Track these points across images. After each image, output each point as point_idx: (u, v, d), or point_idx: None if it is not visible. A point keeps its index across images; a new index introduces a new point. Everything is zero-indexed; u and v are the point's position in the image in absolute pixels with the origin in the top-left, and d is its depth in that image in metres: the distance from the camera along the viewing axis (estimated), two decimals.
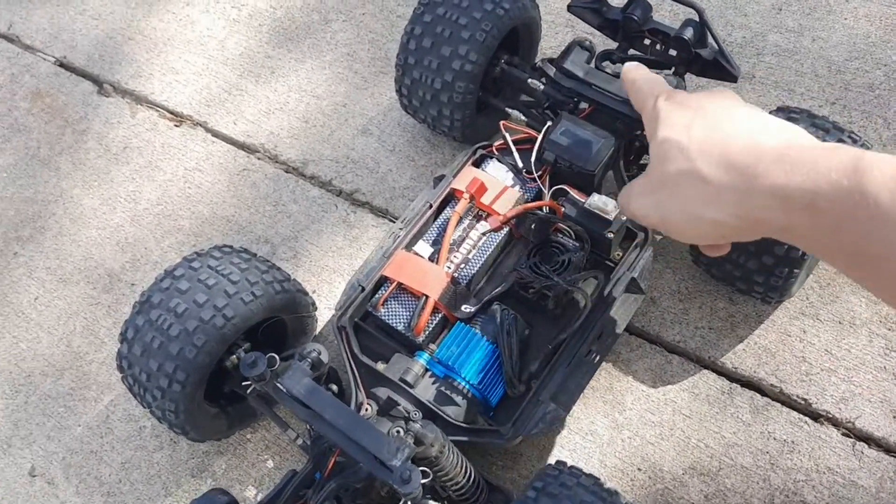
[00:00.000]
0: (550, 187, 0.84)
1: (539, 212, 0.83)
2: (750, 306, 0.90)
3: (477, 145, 0.90)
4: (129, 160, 1.18)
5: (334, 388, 0.79)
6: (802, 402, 0.84)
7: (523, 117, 0.90)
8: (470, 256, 0.83)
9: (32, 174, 1.19)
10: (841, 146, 0.45)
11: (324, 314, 0.96)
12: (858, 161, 0.43)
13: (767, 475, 0.81)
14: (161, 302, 0.77)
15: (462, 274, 0.82)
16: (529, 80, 0.91)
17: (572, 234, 0.80)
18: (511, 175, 0.87)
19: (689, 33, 0.84)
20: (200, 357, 0.75)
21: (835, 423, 0.83)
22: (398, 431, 0.68)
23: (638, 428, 0.85)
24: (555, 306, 0.80)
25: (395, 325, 0.80)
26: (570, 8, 0.92)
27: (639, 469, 0.83)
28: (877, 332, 0.86)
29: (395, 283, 0.81)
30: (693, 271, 0.92)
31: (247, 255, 0.83)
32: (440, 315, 0.80)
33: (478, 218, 0.85)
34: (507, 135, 0.89)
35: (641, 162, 0.91)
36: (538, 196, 0.86)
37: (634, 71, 0.65)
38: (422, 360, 0.77)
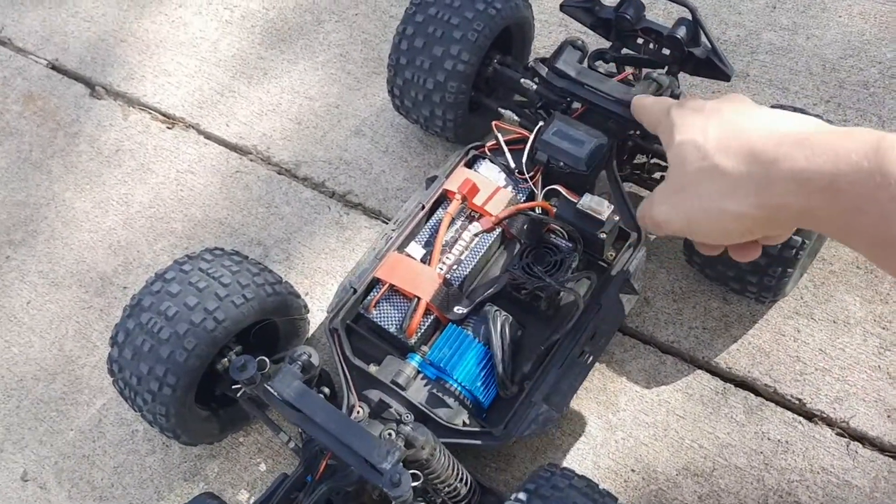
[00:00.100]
0: (543, 188, 0.84)
1: (531, 212, 0.83)
2: (744, 306, 0.89)
3: (469, 146, 0.90)
4: (122, 163, 1.17)
5: (326, 390, 0.78)
6: (797, 402, 0.84)
7: (516, 117, 0.90)
8: (462, 258, 0.83)
9: (24, 177, 1.19)
10: (861, 129, 0.45)
11: (317, 316, 0.95)
12: (879, 142, 0.43)
13: (761, 475, 0.80)
14: (151, 305, 0.77)
15: (454, 275, 0.82)
16: (522, 80, 0.90)
17: (565, 234, 0.80)
18: (503, 176, 0.87)
19: (681, 32, 0.83)
20: (191, 360, 0.74)
21: (829, 422, 0.82)
22: (389, 434, 0.68)
23: (631, 429, 0.85)
24: (547, 307, 0.80)
25: (387, 327, 0.79)
26: (562, 7, 0.92)
27: (632, 470, 0.83)
28: (871, 332, 0.86)
29: (387, 285, 0.81)
30: (687, 271, 0.92)
31: (238, 258, 0.83)
32: (432, 317, 0.79)
33: (470, 219, 0.85)
34: (499, 135, 0.88)
35: (634, 161, 0.91)
36: (531, 197, 0.85)
37: (641, 98, 0.66)
38: (414, 362, 0.77)
